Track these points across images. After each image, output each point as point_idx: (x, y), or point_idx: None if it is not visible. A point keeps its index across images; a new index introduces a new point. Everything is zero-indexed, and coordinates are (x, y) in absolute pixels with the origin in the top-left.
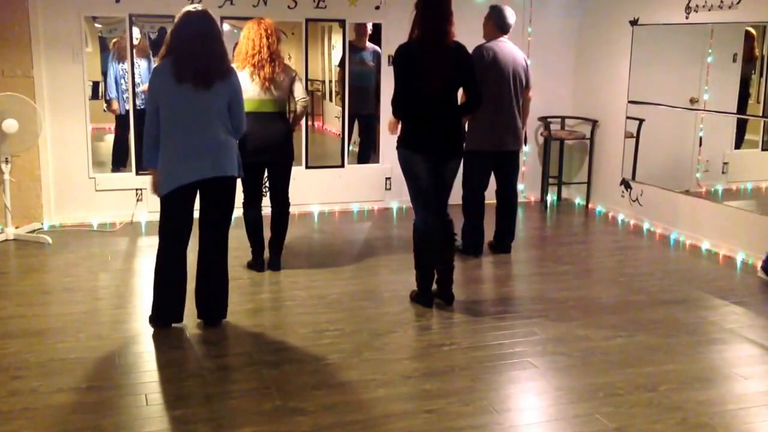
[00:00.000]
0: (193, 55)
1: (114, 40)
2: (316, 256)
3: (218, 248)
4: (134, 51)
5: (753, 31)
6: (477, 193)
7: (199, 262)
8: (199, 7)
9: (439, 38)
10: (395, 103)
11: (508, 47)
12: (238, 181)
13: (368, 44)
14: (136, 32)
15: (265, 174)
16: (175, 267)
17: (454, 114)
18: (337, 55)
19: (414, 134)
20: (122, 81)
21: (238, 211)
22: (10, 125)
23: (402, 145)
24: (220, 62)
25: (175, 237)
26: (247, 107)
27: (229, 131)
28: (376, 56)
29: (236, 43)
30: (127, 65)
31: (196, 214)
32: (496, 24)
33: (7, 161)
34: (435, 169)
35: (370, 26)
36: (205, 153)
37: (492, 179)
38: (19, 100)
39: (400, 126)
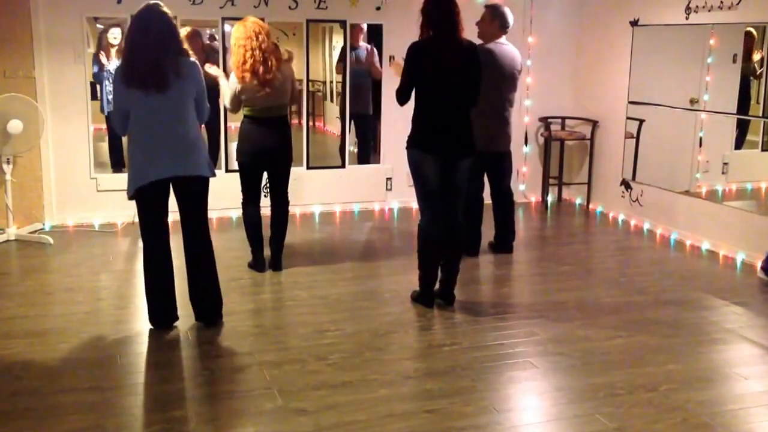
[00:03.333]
0: (139, 60)
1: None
2: (317, 256)
3: (202, 248)
4: (115, 52)
5: (754, 31)
6: (474, 193)
7: (187, 264)
8: (154, 2)
9: (452, 36)
10: (398, 96)
11: (508, 49)
12: (236, 182)
13: (362, 43)
14: (117, 32)
15: (265, 175)
16: (159, 267)
17: (466, 112)
18: (336, 55)
19: (425, 134)
20: (106, 82)
21: (237, 212)
22: (15, 126)
23: (412, 145)
24: (176, 59)
25: (152, 237)
26: (251, 112)
27: (198, 129)
28: (371, 54)
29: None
30: (110, 66)
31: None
32: (501, 23)
33: (8, 162)
34: (445, 169)
35: (365, 25)
36: (170, 152)
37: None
38: (22, 101)
39: (410, 126)
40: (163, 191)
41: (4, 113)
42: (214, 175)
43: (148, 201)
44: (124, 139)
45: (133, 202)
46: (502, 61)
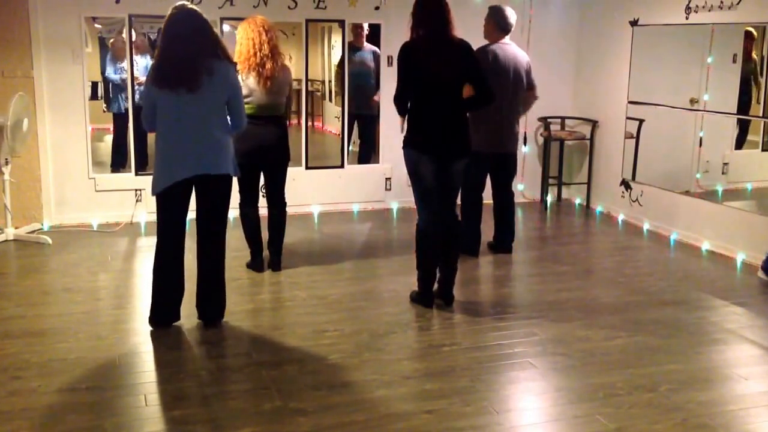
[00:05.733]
0: (173, 60)
1: (111, 41)
2: (316, 257)
3: (215, 248)
4: (131, 49)
5: (754, 31)
6: (475, 193)
7: (198, 263)
8: (188, 3)
9: (443, 35)
10: (396, 101)
11: (510, 49)
12: (235, 182)
13: (366, 44)
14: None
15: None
16: (172, 266)
17: (461, 112)
18: (336, 55)
19: (421, 134)
20: (119, 80)
21: (235, 212)
22: (26, 124)
23: (408, 145)
24: (210, 60)
25: (170, 236)
26: (248, 110)
27: (226, 129)
28: (375, 56)
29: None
30: (125, 65)
31: (192, 215)
32: (498, 25)
33: (7, 162)
34: (442, 169)
35: (366, 26)
36: (198, 151)
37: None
38: (25, 99)
39: (405, 125)
40: (187, 191)
41: (17, 112)
42: (237, 174)
43: (171, 200)
44: (129, 141)
45: (132, 200)
46: (504, 61)
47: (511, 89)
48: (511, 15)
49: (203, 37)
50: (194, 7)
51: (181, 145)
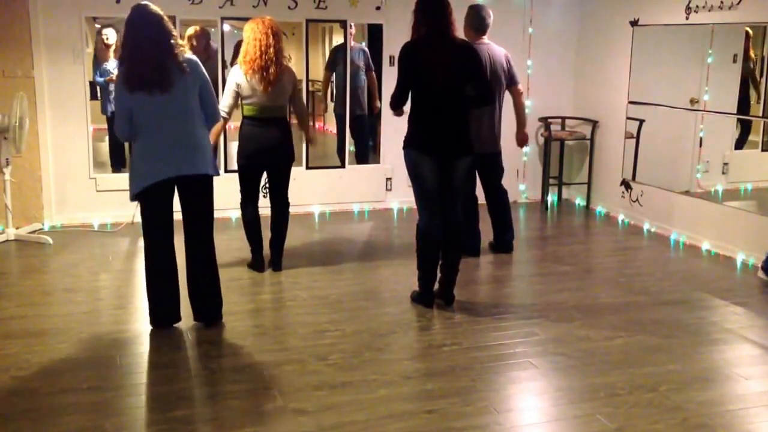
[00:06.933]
0: (141, 63)
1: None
2: (317, 257)
3: (203, 248)
4: (113, 51)
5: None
6: (469, 192)
7: (187, 264)
8: (149, 4)
9: (445, 35)
10: (394, 99)
11: (485, 48)
12: (236, 182)
13: (354, 43)
14: (109, 32)
15: (264, 175)
16: (163, 268)
17: (463, 112)
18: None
19: (422, 134)
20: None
21: (237, 212)
22: (26, 123)
23: (409, 145)
24: (179, 57)
25: (157, 237)
26: (251, 111)
27: (204, 126)
28: (364, 54)
29: (237, 43)
30: (108, 66)
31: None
32: (472, 26)
33: (7, 162)
34: (443, 169)
35: (353, 24)
36: (176, 151)
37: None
38: (26, 99)
39: (407, 126)
40: (169, 191)
41: (23, 110)
42: (217, 173)
43: (153, 201)
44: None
45: (134, 202)
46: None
47: None
48: (487, 15)
49: (169, 37)
50: (155, 8)
51: (158, 146)
